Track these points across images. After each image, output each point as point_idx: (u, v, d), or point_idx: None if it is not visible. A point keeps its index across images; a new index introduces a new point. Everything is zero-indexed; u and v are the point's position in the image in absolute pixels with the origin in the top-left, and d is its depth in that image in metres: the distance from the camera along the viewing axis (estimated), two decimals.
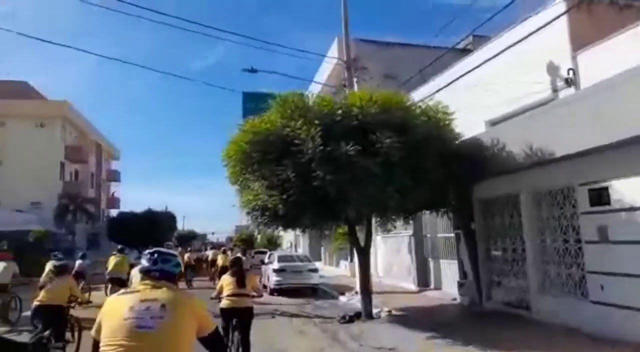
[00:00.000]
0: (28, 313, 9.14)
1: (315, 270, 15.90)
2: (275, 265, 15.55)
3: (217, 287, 6.54)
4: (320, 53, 21.67)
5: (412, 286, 14.30)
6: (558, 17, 8.87)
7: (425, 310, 10.97)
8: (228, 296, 6.15)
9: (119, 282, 11.27)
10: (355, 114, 8.94)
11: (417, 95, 11.98)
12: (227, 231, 75.06)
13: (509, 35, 10.60)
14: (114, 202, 48.84)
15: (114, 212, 44.33)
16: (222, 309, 6.13)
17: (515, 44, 9.63)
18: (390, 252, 16.54)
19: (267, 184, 9.10)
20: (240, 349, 6.05)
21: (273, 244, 37.52)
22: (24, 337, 5.12)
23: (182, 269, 3.10)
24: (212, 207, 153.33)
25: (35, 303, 6.34)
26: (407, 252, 14.97)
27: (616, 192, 7.12)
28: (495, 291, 10.31)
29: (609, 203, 7.23)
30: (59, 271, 6.75)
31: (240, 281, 6.22)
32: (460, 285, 11.39)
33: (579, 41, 9.12)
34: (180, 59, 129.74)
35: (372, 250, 11.67)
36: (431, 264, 14.00)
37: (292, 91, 9.81)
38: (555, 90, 9.73)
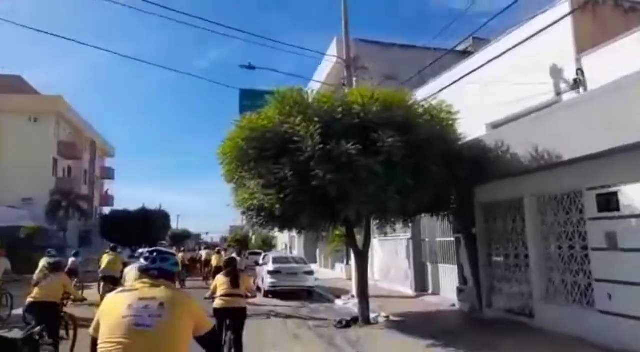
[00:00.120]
0: (19, 310, 9.18)
1: (310, 272, 15.58)
2: (270, 266, 15.23)
3: (211, 287, 6.52)
4: (318, 53, 21.40)
5: (410, 291, 14.00)
6: (562, 18, 8.68)
7: (424, 316, 10.67)
8: (222, 296, 6.16)
9: (112, 281, 11.08)
10: (356, 112, 8.66)
11: (418, 97, 11.71)
12: (222, 231, 74.47)
13: (510, 38, 10.45)
14: (107, 199, 48.36)
15: (107, 210, 43.85)
16: (215, 309, 6.07)
17: (517, 45, 9.46)
18: (388, 256, 16.24)
19: (264, 182, 8.83)
20: (233, 350, 6.03)
21: (268, 245, 37.13)
22: (15, 335, 4.97)
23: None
24: (206, 207, 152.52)
25: (29, 300, 6.30)
26: (405, 256, 14.68)
27: (626, 197, 6.86)
28: (496, 297, 10.03)
29: (618, 209, 6.96)
30: (53, 268, 6.72)
31: (234, 282, 6.24)
32: (460, 291, 11.11)
33: (584, 44, 8.97)
34: (180, 60, 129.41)
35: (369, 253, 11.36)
36: (429, 269, 13.71)
37: (291, 87, 9.52)
38: (558, 93, 9.55)
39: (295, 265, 15.74)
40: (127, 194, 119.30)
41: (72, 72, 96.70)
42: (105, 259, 12.04)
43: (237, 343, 6.05)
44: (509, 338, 7.89)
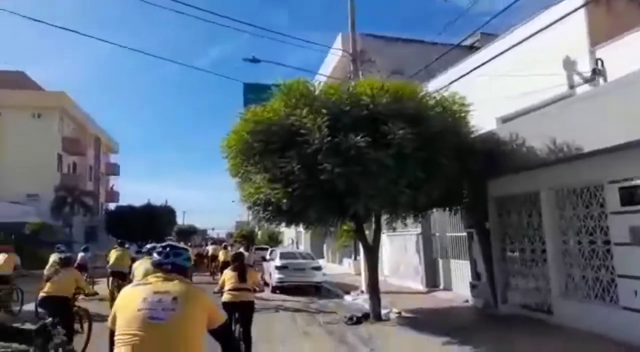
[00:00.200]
0: (30, 305, 9.63)
1: (318, 268, 15.35)
2: (277, 262, 15.02)
3: (220, 281, 6.64)
4: (326, 46, 20.98)
5: (420, 286, 13.73)
6: (576, 10, 8.34)
7: (437, 312, 10.39)
8: (230, 290, 6.28)
9: (121, 276, 11.08)
10: (365, 104, 8.36)
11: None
12: (228, 227, 74.67)
13: (521, 31, 10.15)
14: (113, 195, 48.38)
15: (112, 206, 43.83)
16: (224, 303, 6.13)
17: (529, 37, 9.17)
18: (397, 251, 15.97)
19: (270, 176, 8.59)
20: (242, 343, 6.04)
21: (274, 240, 36.93)
22: (28, 326, 5.08)
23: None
24: (212, 202, 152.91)
25: (42, 294, 6.39)
26: (415, 251, 14.39)
27: None
28: (511, 293, 9.74)
29: None
30: (64, 263, 6.85)
31: (242, 276, 6.35)
32: (473, 286, 10.83)
33: (598, 37, 8.73)
34: (184, 55, 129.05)
35: None
36: (440, 264, 13.42)
37: (297, 79, 9.21)
38: (572, 86, 9.23)
39: (302, 260, 15.52)
40: (132, 190, 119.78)
41: (75, 67, 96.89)
42: (113, 255, 12.08)
43: (246, 336, 6.14)
44: (526, 335, 7.63)
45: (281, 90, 8.92)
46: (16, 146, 31.47)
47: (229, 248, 18.36)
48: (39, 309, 6.93)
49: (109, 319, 2.42)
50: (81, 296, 6.98)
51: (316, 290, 14.71)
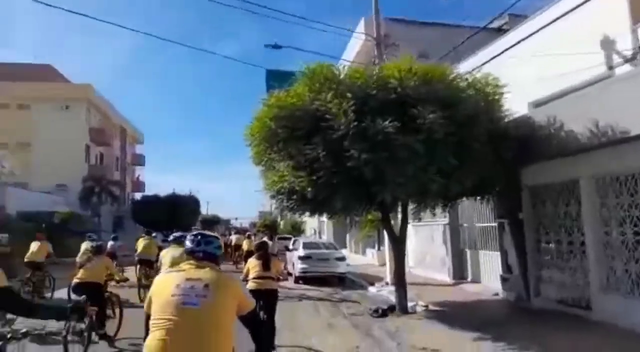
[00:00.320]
0: (61, 291, 10.19)
1: (342, 258, 15.12)
2: (301, 252, 14.84)
3: (244, 269, 6.77)
4: (347, 34, 20.55)
5: (447, 278, 13.33)
6: None
7: (466, 305, 10.00)
8: (254, 278, 6.40)
9: (148, 264, 11.24)
10: (392, 87, 7.99)
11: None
12: (250, 217, 75.06)
13: (553, 11, 9.55)
14: (139, 185, 49.21)
15: (138, 196, 44.58)
16: (249, 291, 5.93)
17: (564, 15, 8.60)
18: (423, 242, 15.56)
19: (294, 164, 8.35)
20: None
21: (297, 230, 36.90)
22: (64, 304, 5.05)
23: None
24: (235, 192, 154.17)
25: (75, 281, 6.65)
26: (442, 242, 13.98)
27: None
28: (545, 286, 9.26)
29: None
30: (96, 251, 7.16)
31: (266, 264, 6.47)
32: (504, 279, 10.38)
33: (639, 15, 8.07)
34: (210, 43, 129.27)
35: None
36: (468, 255, 12.97)
37: (321, 63, 8.89)
38: (610, 66, 8.62)
39: (326, 250, 15.31)
40: (157, 180, 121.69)
41: (99, 59, 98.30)
42: (141, 244, 12.23)
43: (270, 324, 6.24)
44: (563, 331, 7.21)
45: (305, 75, 8.62)
46: (46, 138, 32.22)
47: (253, 237, 18.34)
48: (72, 295, 7.17)
49: (145, 303, 2.57)
50: (112, 283, 7.19)
51: (340, 281, 14.49)
